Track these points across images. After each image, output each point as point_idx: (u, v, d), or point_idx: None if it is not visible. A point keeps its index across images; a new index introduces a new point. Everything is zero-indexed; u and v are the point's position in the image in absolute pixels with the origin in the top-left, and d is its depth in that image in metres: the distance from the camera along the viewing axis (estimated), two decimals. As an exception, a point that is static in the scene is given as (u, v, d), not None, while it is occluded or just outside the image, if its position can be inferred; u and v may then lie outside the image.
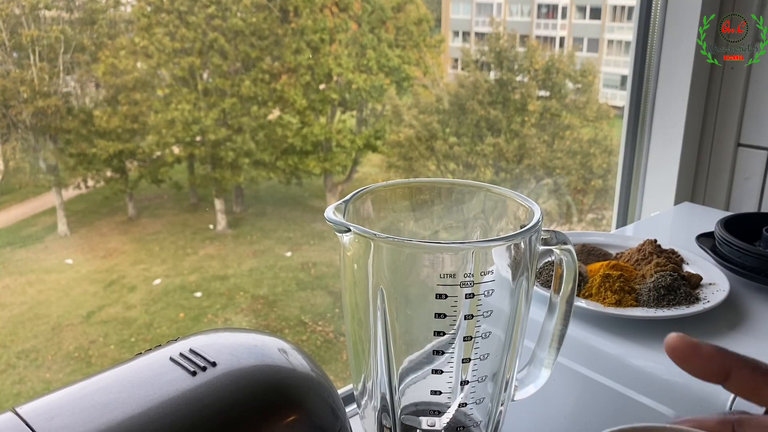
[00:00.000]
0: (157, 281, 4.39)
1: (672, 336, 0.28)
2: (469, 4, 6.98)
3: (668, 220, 1.01)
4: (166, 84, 4.81)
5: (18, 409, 0.38)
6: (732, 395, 0.53)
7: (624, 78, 5.87)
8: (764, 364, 0.28)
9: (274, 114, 5.24)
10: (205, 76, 5.01)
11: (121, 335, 3.94)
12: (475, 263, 0.47)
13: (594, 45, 6.64)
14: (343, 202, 0.51)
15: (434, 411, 0.53)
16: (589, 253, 0.75)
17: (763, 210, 1.12)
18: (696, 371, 0.29)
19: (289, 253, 4.81)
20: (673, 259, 0.71)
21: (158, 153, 4.88)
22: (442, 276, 0.46)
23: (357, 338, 0.52)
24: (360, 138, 5.52)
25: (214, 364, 0.41)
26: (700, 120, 1.14)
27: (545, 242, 0.51)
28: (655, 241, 0.74)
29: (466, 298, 0.47)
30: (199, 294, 4.31)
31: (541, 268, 0.69)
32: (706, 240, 0.79)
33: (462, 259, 0.47)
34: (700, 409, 0.54)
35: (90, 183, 4.82)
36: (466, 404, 0.52)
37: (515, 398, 0.56)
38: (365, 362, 0.52)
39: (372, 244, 0.47)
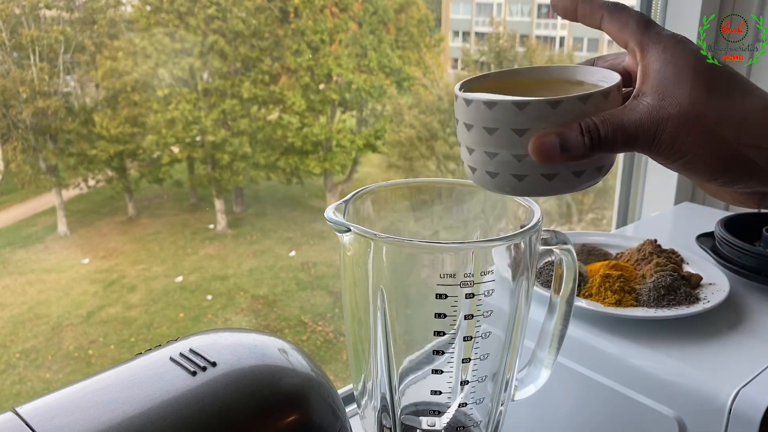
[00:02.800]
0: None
1: None
2: (469, 4, 6.98)
3: (668, 220, 1.01)
4: (166, 84, 4.81)
5: (18, 409, 0.38)
6: (732, 395, 0.53)
7: (624, 78, 5.85)
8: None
9: (275, 114, 5.25)
10: (205, 76, 5.01)
11: (121, 335, 3.94)
12: (475, 263, 0.47)
13: (594, 45, 6.64)
14: (343, 202, 0.51)
15: (434, 411, 0.53)
16: (589, 253, 0.75)
17: (763, 210, 1.12)
18: (563, 12, 0.41)
19: (293, 253, 4.81)
20: (673, 259, 0.71)
21: (158, 153, 4.88)
22: (442, 276, 0.46)
23: (357, 338, 0.52)
24: (360, 138, 5.52)
25: (214, 364, 0.41)
26: (700, 120, 1.14)
27: (545, 242, 0.51)
28: (655, 241, 0.74)
29: (466, 298, 0.47)
30: (209, 297, 4.32)
31: (541, 268, 0.69)
32: (706, 240, 0.79)
33: (462, 259, 0.47)
34: (699, 409, 0.55)
35: (90, 183, 4.81)
36: (466, 404, 0.52)
37: (515, 398, 0.56)
38: (365, 362, 0.52)
39: (372, 244, 0.47)
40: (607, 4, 0.40)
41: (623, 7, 0.40)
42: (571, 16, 0.42)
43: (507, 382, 0.53)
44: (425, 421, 0.53)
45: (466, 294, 0.47)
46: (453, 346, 0.49)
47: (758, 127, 0.35)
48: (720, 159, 0.35)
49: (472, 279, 0.46)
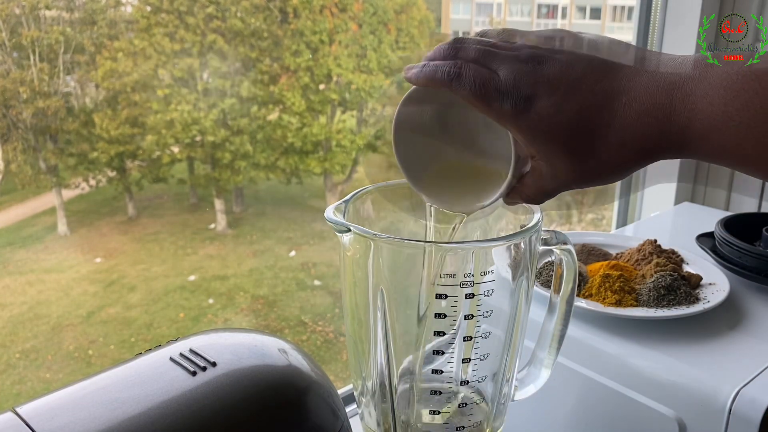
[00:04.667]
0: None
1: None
2: (469, 4, 6.98)
3: (668, 220, 1.01)
4: (166, 84, 4.81)
5: (18, 409, 0.38)
6: (732, 395, 0.53)
7: (624, 78, 5.83)
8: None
9: (274, 114, 5.24)
10: (204, 76, 5.00)
11: (121, 335, 3.93)
12: (475, 263, 0.47)
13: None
14: (343, 202, 0.51)
15: (434, 411, 0.53)
16: (589, 253, 0.75)
17: (763, 210, 1.12)
18: (422, 85, 0.45)
19: (293, 253, 4.81)
20: (673, 259, 0.71)
21: (158, 153, 4.88)
22: (442, 276, 0.46)
23: (357, 338, 0.52)
24: (360, 138, 5.51)
25: (214, 364, 0.41)
26: (700, 120, 1.14)
27: (545, 242, 0.51)
28: (655, 241, 0.74)
29: (466, 298, 0.47)
30: (210, 298, 4.32)
31: (541, 268, 0.69)
32: (706, 240, 0.79)
33: (462, 259, 0.47)
34: (699, 409, 0.55)
35: (91, 183, 4.81)
36: (466, 404, 0.52)
37: (515, 398, 0.56)
38: (365, 362, 0.52)
39: (372, 244, 0.47)
40: (448, 80, 0.41)
41: (458, 77, 0.41)
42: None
43: (507, 382, 0.53)
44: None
45: (466, 294, 0.47)
46: (453, 346, 0.49)
47: (620, 155, 0.39)
48: (615, 173, 0.41)
49: (472, 279, 0.46)
